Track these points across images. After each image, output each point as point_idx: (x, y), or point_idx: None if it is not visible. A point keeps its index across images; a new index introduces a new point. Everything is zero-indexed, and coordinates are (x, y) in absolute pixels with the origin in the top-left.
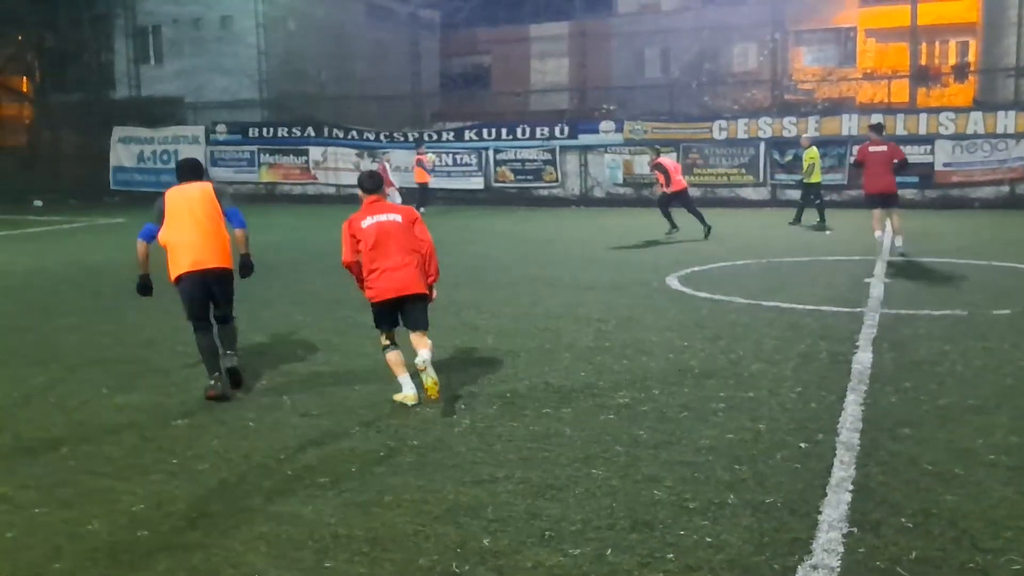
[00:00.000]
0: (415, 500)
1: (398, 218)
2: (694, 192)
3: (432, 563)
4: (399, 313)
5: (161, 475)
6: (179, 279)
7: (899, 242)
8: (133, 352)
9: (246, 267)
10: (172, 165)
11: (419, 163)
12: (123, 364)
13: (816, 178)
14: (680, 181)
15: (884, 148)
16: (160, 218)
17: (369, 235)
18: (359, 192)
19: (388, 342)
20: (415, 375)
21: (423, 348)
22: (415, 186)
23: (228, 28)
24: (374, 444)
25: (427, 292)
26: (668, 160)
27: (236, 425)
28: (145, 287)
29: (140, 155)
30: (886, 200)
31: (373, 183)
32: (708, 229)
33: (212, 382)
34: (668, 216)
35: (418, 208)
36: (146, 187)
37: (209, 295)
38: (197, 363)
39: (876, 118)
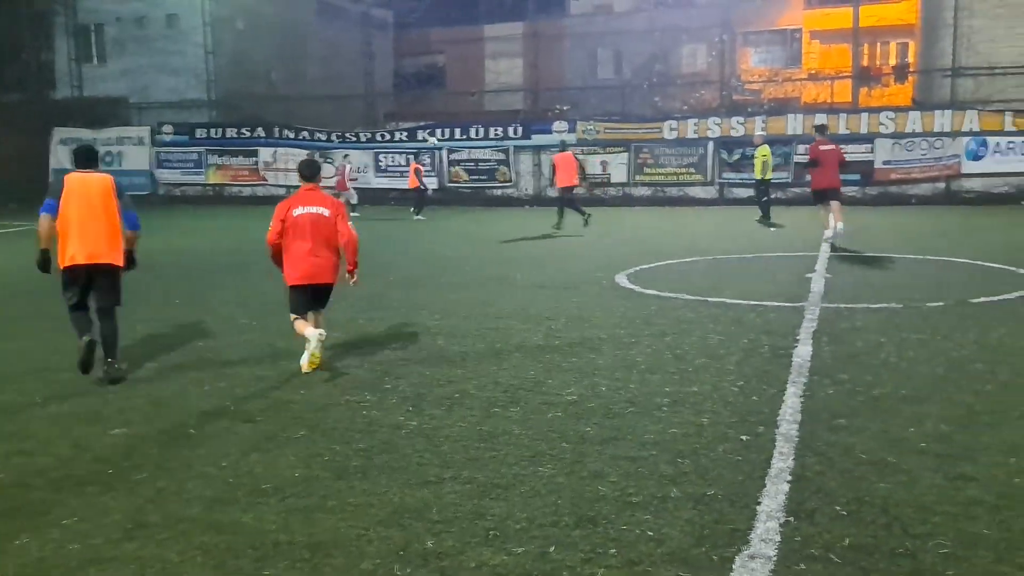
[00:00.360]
0: (359, 504)
1: (325, 212)
2: (644, 190)
3: (374, 567)
4: (311, 297)
5: (96, 486)
6: (67, 268)
7: (840, 227)
8: (70, 360)
9: (129, 262)
10: (116, 167)
11: (415, 172)
12: (60, 372)
13: (769, 175)
14: (564, 179)
15: (832, 147)
16: (58, 196)
17: (295, 223)
18: (300, 176)
19: (296, 317)
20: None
21: (317, 328)
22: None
23: (174, 27)
24: (319, 448)
25: (334, 282)
26: (561, 157)
27: (177, 433)
28: (46, 263)
29: None
30: (833, 195)
31: (310, 171)
32: (587, 217)
33: (81, 343)
34: (578, 210)
35: (416, 213)
36: None
37: (90, 287)
38: (134, 369)
39: (820, 119)
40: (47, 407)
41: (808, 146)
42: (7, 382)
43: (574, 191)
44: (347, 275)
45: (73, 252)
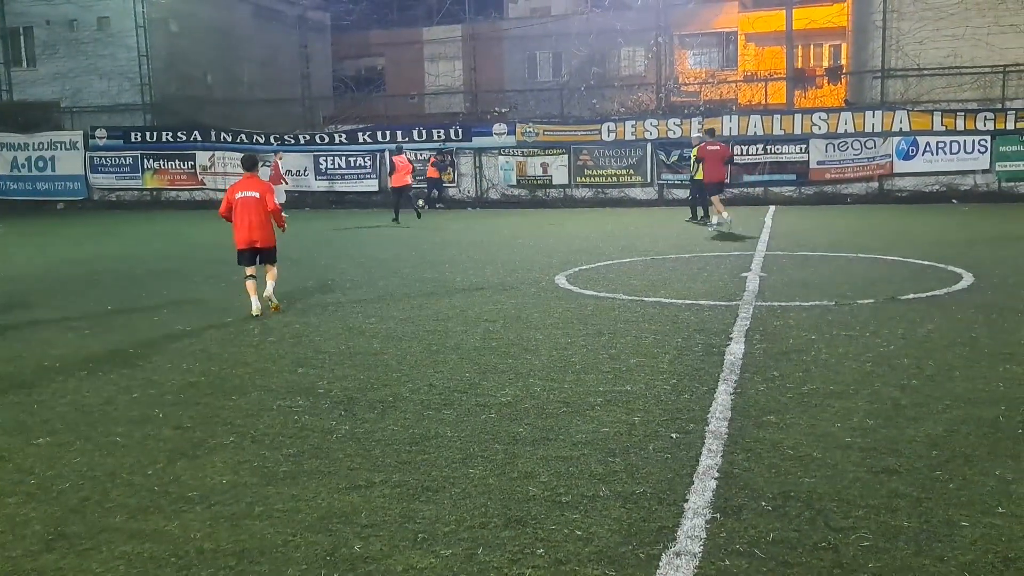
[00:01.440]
0: (287, 509)
1: (256, 194)
2: (585, 192)
3: (301, 572)
4: (257, 256)
5: (17, 497)
6: None
7: (726, 216)
8: None
9: None
10: (49, 172)
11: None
12: None
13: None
14: (403, 179)
15: (718, 147)
16: None
17: (239, 204)
18: (243, 166)
19: (249, 273)
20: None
21: (270, 280)
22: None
23: (105, 30)
24: (248, 454)
25: (274, 244)
26: (399, 158)
27: (102, 441)
28: None
29: (14, 162)
30: (721, 187)
31: (249, 163)
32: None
33: None
34: (415, 208)
35: (426, 206)
36: (22, 195)
37: None
38: (64, 378)
39: (708, 124)
40: None
41: (712, 146)
42: None
43: (410, 190)
44: (279, 229)
45: None
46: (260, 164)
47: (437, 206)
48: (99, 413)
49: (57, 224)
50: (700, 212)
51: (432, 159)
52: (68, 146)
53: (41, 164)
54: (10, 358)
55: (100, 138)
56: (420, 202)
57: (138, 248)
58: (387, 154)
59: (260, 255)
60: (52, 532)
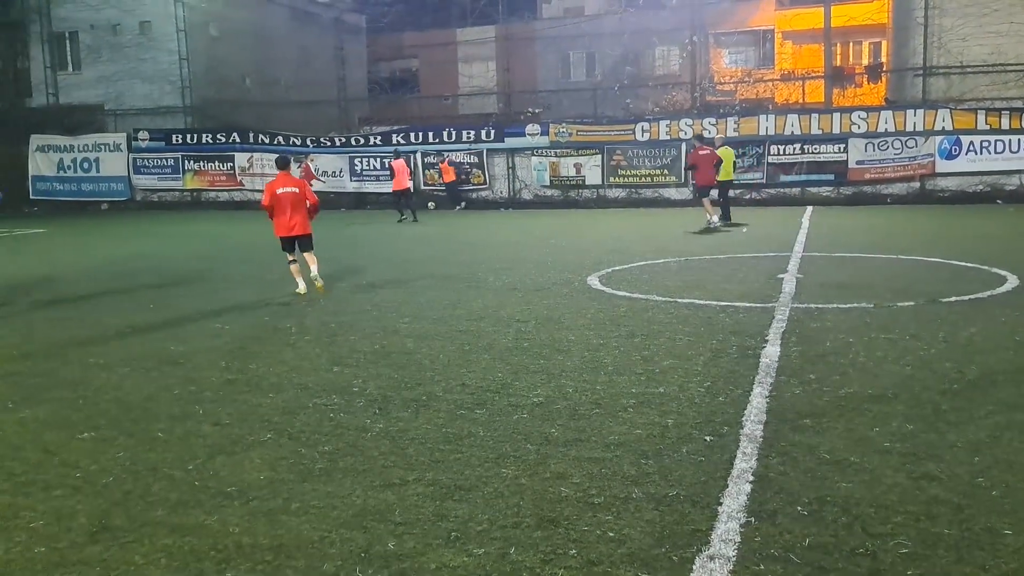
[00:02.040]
0: (322, 506)
1: (295, 190)
2: (618, 192)
3: (336, 568)
4: (295, 244)
5: (63, 490)
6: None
7: (715, 218)
8: (42, 365)
9: None
10: (94, 173)
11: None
12: (30, 377)
13: (726, 176)
14: (403, 183)
15: (708, 151)
16: None
17: (277, 198)
18: (277, 166)
19: (291, 259)
20: (308, 281)
21: (313, 264)
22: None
23: (147, 34)
24: (285, 451)
25: (311, 232)
26: (398, 163)
27: (145, 437)
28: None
29: (60, 163)
30: (705, 191)
31: (283, 163)
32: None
33: None
34: (405, 208)
35: (457, 205)
36: (67, 196)
37: None
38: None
39: (706, 128)
40: (17, 412)
41: (703, 151)
42: None
43: (410, 193)
44: (311, 219)
45: None
46: (291, 163)
47: (460, 206)
48: (141, 409)
49: (101, 224)
50: (725, 213)
51: (445, 162)
52: (112, 148)
53: (86, 165)
54: (55, 355)
55: (142, 140)
56: (462, 204)
57: (178, 248)
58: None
59: (298, 241)
60: (97, 524)
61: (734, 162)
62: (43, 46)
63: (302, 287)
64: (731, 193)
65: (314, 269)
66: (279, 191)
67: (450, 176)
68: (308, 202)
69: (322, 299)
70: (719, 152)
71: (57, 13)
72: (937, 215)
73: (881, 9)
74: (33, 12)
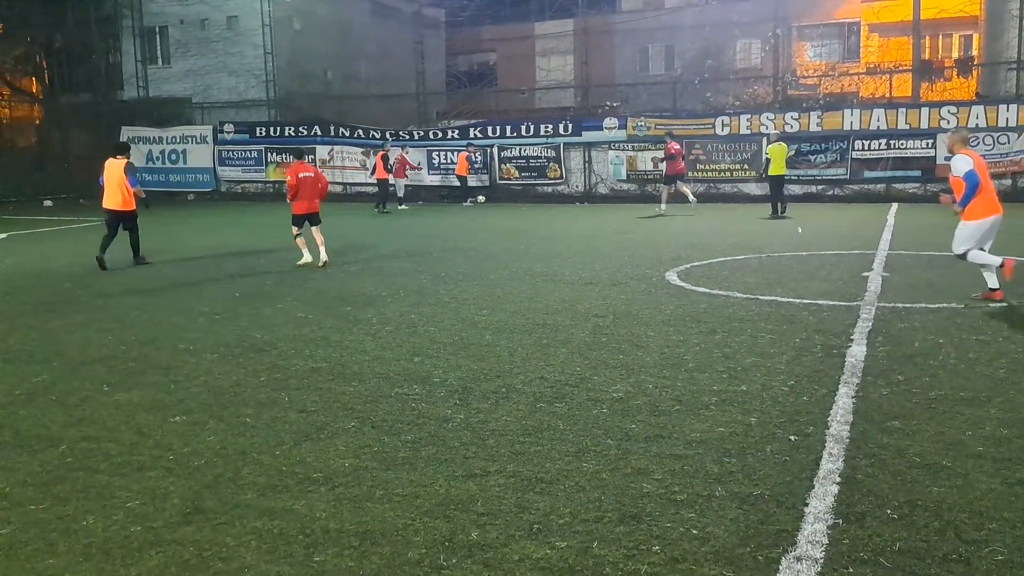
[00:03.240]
0: (406, 494)
1: (312, 175)
2: (696, 187)
3: (420, 556)
4: (307, 220)
5: (157, 471)
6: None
7: (692, 199)
8: (135, 350)
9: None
10: (181, 164)
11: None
12: (125, 362)
13: (777, 171)
14: (401, 173)
15: (679, 145)
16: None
17: (302, 182)
18: (295, 156)
19: (298, 231)
20: (313, 249)
21: (322, 246)
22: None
23: (234, 28)
24: (368, 439)
25: (319, 210)
26: (380, 155)
27: (234, 422)
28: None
29: (149, 155)
30: (679, 178)
31: (299, 153)
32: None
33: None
34: (388, 199)
35: (468, 199)
36: (155, 187)
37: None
38: (198, 361)
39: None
40: (113, 395)
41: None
42: (76, 371)
43: (388, 183)
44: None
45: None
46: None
47: (474, 200)
48: (230, 395)
49: (188, 215)
50: (774, 208)
51: (465, 153)
52: (199, 140)
53: (174, 157)
54: (148, 340)
55: (228, 132)
56: (480, 198)
57: (261, 239)
58: (494, 150)
59: (309, 219)
60: (189, 506)
61: (787, 158)
62: (135, 41)
63: (307, 257)
64: (787, 190)
65: (323, 252)
66: (301, 175)
67: (463, 169)
68: (320, 184)
69: (328, 271)
70: (774, 147)
71: (148, 8)
72: None
73: (973, 1)
74: (125, 7)
